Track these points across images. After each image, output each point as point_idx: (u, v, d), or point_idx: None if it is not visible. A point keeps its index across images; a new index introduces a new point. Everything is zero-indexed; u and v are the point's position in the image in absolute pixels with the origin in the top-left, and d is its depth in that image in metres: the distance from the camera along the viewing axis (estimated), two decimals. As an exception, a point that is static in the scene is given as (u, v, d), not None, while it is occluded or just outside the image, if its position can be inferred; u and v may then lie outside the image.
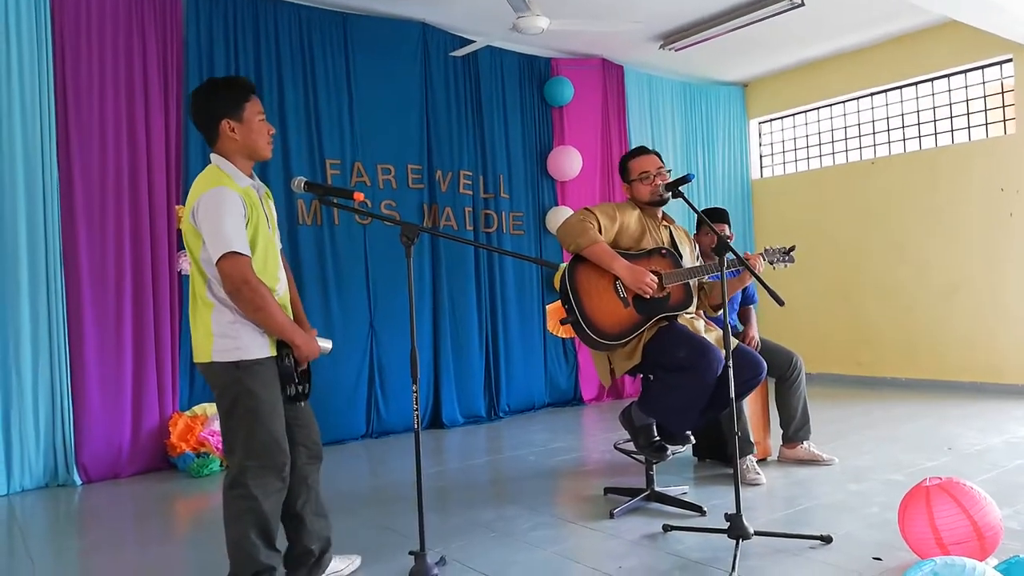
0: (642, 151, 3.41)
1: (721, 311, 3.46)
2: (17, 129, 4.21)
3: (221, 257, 2.24)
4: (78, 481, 4.29)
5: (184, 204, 2.42)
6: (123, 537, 3.45)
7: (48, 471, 4.29)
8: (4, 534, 3.47)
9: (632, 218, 3.32)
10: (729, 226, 4.15)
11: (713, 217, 4.05)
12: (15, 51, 4.21)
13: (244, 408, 2.34)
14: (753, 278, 3.03)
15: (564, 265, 3.26)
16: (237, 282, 2.25)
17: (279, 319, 2.34)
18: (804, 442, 4.07)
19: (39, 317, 4.26)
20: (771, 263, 3.24)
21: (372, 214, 2.49)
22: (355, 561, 2.76)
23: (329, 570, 2.63)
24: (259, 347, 2.35)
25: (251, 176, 2.46)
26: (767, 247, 3.32)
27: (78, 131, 4.40)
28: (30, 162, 4.24)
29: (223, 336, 2.32)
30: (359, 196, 2.40)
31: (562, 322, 3.27)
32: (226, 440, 2.41)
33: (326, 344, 2.52)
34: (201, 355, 2.37)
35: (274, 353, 2.39)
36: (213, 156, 2.42)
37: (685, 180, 3.07)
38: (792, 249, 3.29)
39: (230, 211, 2.27)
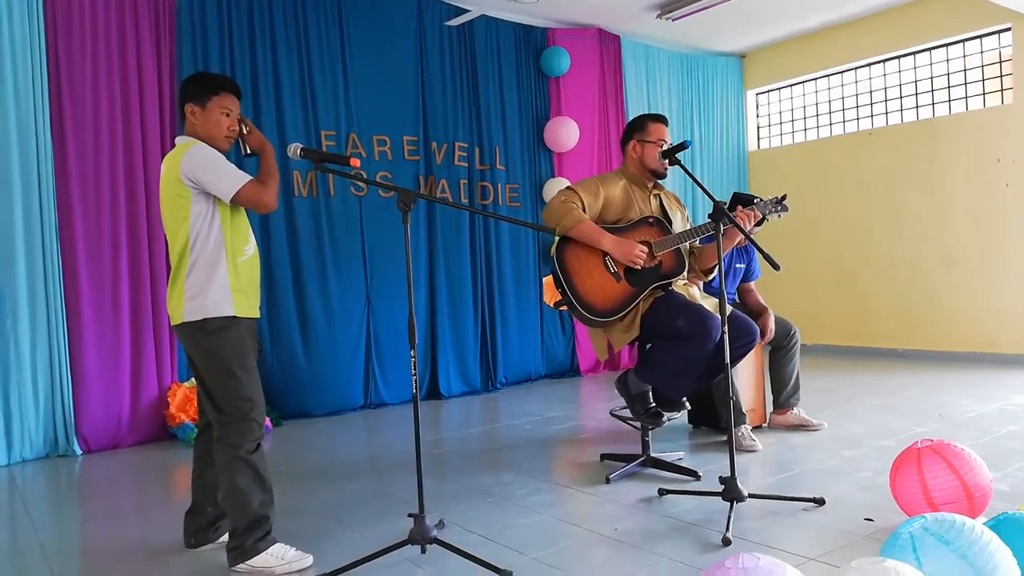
0: (664, 119, 3.38)
1: (713, 277, 3.47)
2: (11, 102, 4.18)
3: (236, 192, 2.47)
4: (78, 451, 4.32)
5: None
6: (124, 505, 3.48)
7: (48, 441, 4.32)
8: (6, 503, 3.50)
9: (617, 189, 3.30)
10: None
11: (743, 202, 3.98)
12: (6, 24, 4.16)
13: (214, 367, 2.51)
14: (744, 238, 3.00)
15: (556, 242, 3.27)
16: (257, 205, 2.52)
17: (273, 184, 2.57)
18: (794, 408, 4.11)
19: (36, 288, 4.26)
20: (765, 215, 3.23)
21: (368, 181, 2.51)
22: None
23: (224, 539, 2.65)
24: (224, 306, 2.50)
25: None
26: (759, 199, 3.29)
27: (71, 103, 4.36)
28: (24, 134, 4.22)
29: (192, 298, 2.49)
30: (355, 162, 2.44)
31: (557, 305, 3.28)
32: (205, 398, 2.57)
33: None
34: (175, 318, 2.55)
35: (240, 313, 2.53)
36: (180, 138, 2.62)
37: (682, 147, 3.04)
38: (784, 198, 3.26)
39: (220, 156, 2.52)
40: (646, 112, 5.06)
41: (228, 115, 2.59)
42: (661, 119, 3.39)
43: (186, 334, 2.53)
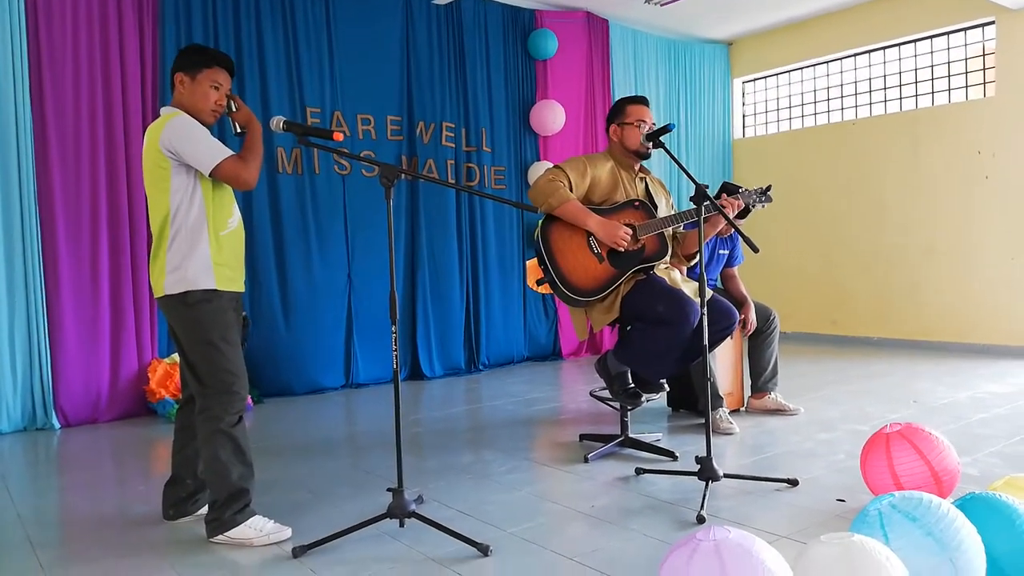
0: (643, 100, 3.40)
1: (694, 262, 3.50)
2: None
3: (215, 166, 2.44)
4: (56, 425, 4.30)
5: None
6: (103, 478, 3.48)
7: (26, 414, 4.30)
8: (-17, 474, 3.48)
9: (604, 171, 3.32)
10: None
11: (731, 192, 4.00)
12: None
13: (195, 340, 2.51)
14: (727, 224, 3.03)
15: (541, 220, 3.28)
16: (236, 181, 2.49)
17: (256, 158, 2.56)
18: (772, 392, 4.17)
19: (14, 260, 4.22)
20: (749, 204, 3.26)
21: (352, 155, 2.51)
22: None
23: (203, 511, 2.67)
24: (206, 279, 2.50)
25: None
26: (744, 188, 3.33)
27: (51, 71, 4.30)
28: (3, 106, 4.16)
29: (174, 270, 2.48)
30: (339, 136, 2.42)
31: (538, 283, 3.30)
32: (188, 371, 2.56)
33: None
34: (157, 290, 2.54)
35: (221, 287, 2.52)
36: (165, 108, 2.59)
37: (666, 130, 3.04)
38: (768, 189, 3.30)
39: (201, 129, 2.49)
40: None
41: (217, 89, 2.56)
42: (639, 100, 3.41)
43: (168, 306, 2.53)
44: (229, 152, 2.48)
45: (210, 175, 2.46)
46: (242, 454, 2.52)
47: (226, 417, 2.49)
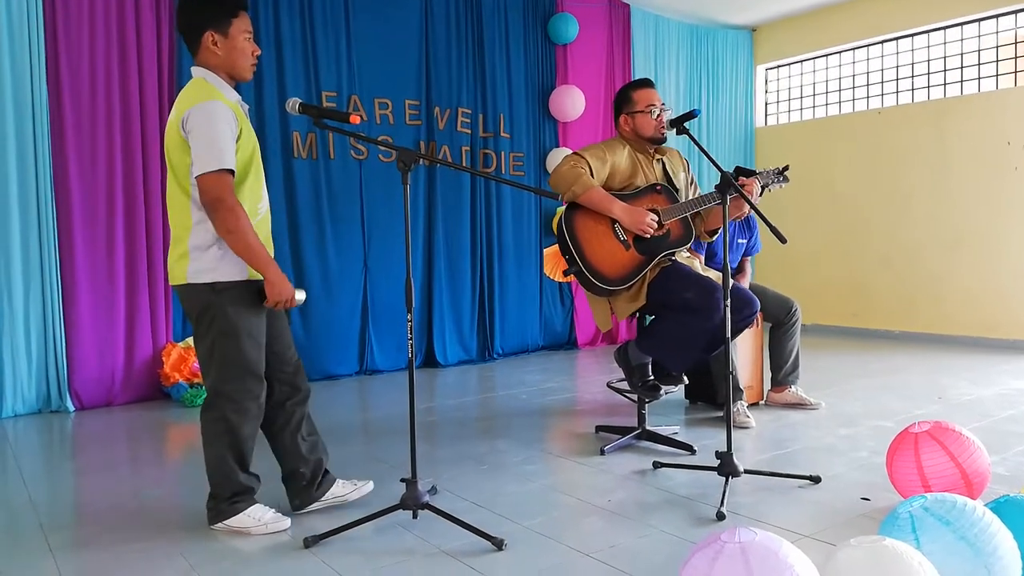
0: (647, 83, 3.31)
1: (716, 238, 3.41)
2: (5, 51, 4.09)
3: (206, 172, 2.21)
4: (71, 407, 4.30)
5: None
6: (117, 460, 3.46)
7: (41, 397, 4.30)
8: (-3, 456, 3.48)
9: (622, 156, 3.24)
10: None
11: (746, 176, 3.92)
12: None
13: (219, 331, 2.34)
14: (750, 209, 2.94)
15: (561, 208, 3.21)
16: (214, 199, 2.22)
17: (253, 245, 2.28)
18: (792, 386, 4.09)
19: (30, 243, 4.20)
20: (765, 185, 3.18)
21: (368, 139, 2.44)
22: (363, 486, 2.67)
23: (329, 495, 2.63)
24: (236, 270, 2.33)
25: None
26: (761, 169, 3.25)
27: (67, 53, 4.27)
28: (19, 85, 4.14)
29: (199, 258, 2.31)
30: (355, 118, 2.34)
31: (565, 273, 3.23)
32: (202, 364, 2.42)
33: (300, 295, 2.40)
34: (176, 277, 2.37)
35: (252, 276, 2.36)
36: (196, 69, 2.36)
37: (691, 116, 2.96)
38: (786, 169, 3.22)
39: (222, 126, 2.24)
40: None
41: (249, 38, 2.35)
42: (644, 83, 3.32)
43: (190, 295, 2.35)
44: (225, 166, 2.22)
45: (198, 176, 2.23)
46: (242, 459, 2.42)
47: (234, 418, 2.37)
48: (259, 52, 2.42)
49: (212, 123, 2.22)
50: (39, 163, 4.20)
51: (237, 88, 2.45)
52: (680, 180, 3.33)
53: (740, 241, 4.18)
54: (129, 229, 4.48)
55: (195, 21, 2.33)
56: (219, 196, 2.22)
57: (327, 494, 2.62)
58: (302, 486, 2.58)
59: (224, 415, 2.38)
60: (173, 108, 2.33)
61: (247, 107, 2.46)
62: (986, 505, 1.89)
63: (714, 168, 2.87)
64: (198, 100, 2.24)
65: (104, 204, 4.40)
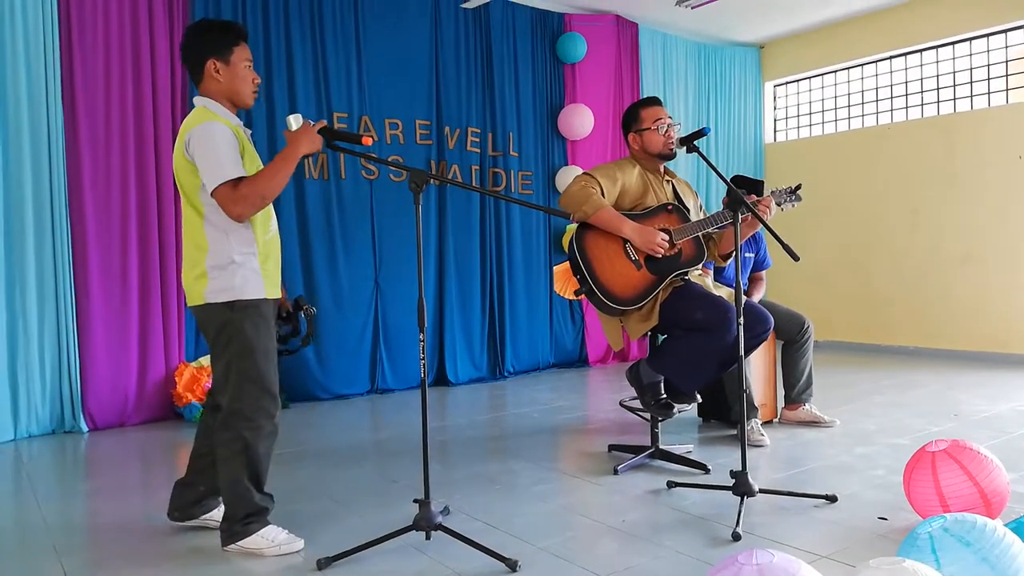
0: (654, 100, 3.33)
1: (729, 262, 3.41)
2: (22, 71, 4.14)
3: (218, 186, 2.27)
4: (84, 428, 4.31)
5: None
6: (130, 481, 3.47)
7: (54, 418, 4.31)
8: (11, 478, 3.49)
9: (632, 176, 3.25)
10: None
11: (749, 186, 3.94)
12: (18, -8, 4.13)
13: (237, 350, 2.38)
14: (762, 227, 2.94)
15: (572, 226, 3.21)
16: (235, 208, 2.28)
17: (278, 168, 2.31)
18: (806, 404, 4.06)
19: (44, 264, 4.24)
20: (778, 204, 3.17)
21: (379, 159, 2.46)
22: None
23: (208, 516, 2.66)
24: (254, 288, 2.38)
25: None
26: (774, 188, 3.24)
27: (83, 74, 4.32)
28: (34, 106, 4.19)
29: (217, 277, 2.35)
30: (367, 140, 2.37)
31: (576, 293, 3.23)
32: (218, 383, 2.44)
33: (294, 120, 2.39)
34: (194, 298, 2.40)
35: (269, 295, 2.42)
36: (198, 99, 2.46)
37: (701, 134, 2.97)
38: (798, 187, 3.21)
39: (223, 142, 2.31)
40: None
41: (250, 66, 2.44)
42: (651, 101, 3.33)
43: (208, 315, 2.38)
44: (235, 176, 2.28)
45: (212, 192, 2.29)
46: (257, 480, 2.43)
47: (249, 436, 2.38)
48: (259, 80, 2.50)
49: (212, 140, 2.29)
50: (54, 184, 4.25)
51: (245, 113, 2.50)
52: (690, 205, 3.33)
53: (748, 255, 4.17)
54: (142, 250, 4.51)
55: (198, 50, 2.42)
56: (223, 206, 2.29)
57: (205, 514, 2.67)
58: (190, 501, 2.64)
59: (240, 434, 2.39)
60: (178, 137, 2.41)
61: (249, 132, 2.54)
62: (1006, 525, 1.87)
63: (724, 186, 2.86)
64: (197, 123, 2.33)
65: (118, 225, 4.43)
